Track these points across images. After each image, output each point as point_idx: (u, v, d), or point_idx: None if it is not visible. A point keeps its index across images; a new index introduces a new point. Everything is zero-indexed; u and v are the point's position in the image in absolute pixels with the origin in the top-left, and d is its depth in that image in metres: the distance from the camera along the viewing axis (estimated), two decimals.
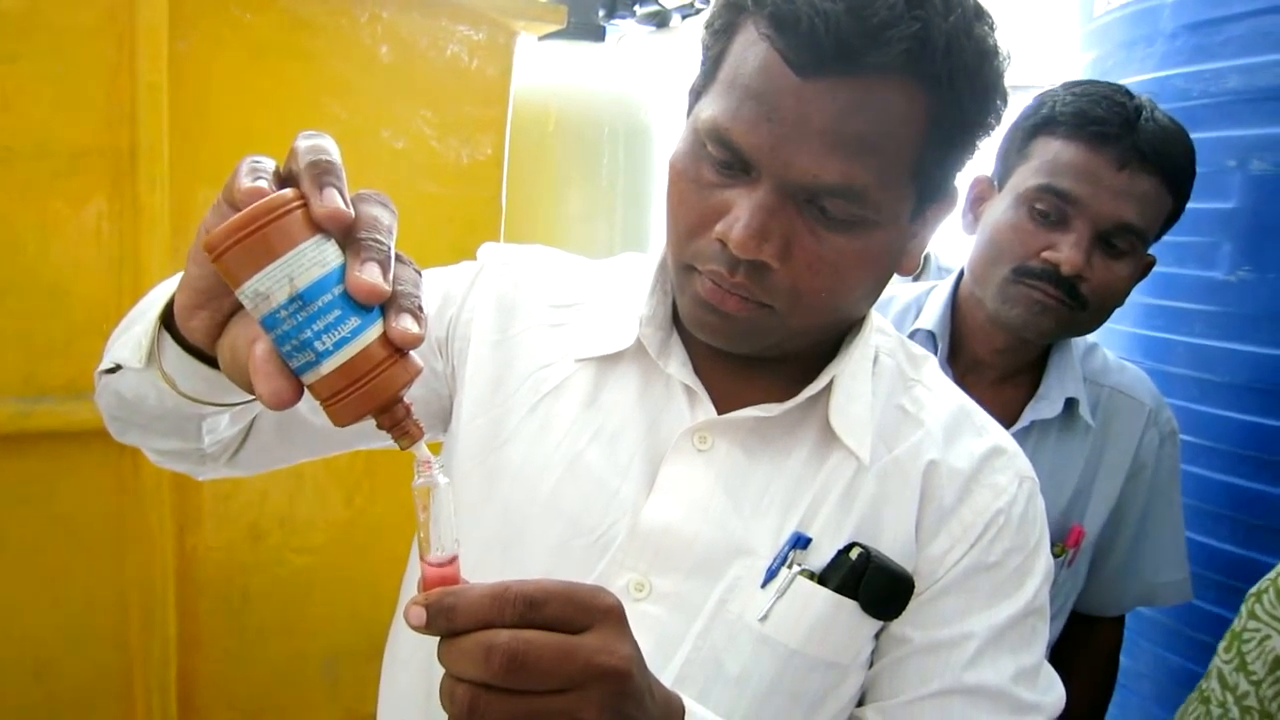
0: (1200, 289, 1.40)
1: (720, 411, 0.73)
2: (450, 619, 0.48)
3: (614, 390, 0.75)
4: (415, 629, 0.48)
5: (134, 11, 1.16)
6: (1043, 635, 0.74)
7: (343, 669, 1.49)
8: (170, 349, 0.59)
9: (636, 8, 2.00)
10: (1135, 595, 1.29)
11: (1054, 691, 0.74)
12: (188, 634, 1.34)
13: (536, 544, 0.72)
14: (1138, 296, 1.52)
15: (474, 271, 0.81)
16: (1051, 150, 1.10)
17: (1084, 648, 1.33)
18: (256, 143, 1.27)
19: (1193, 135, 1.40)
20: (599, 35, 1.97)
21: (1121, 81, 1.53)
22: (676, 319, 0.75)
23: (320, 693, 1.49)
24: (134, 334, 0.62)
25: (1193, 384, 1.42)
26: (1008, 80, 0.68)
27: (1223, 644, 1.05)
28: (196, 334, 0.51)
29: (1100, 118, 1.07)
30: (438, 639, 0.49)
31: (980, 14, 0.63)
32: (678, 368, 0.74)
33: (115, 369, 0.64)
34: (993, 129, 0.68)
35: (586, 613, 0.50)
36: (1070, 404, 1.19)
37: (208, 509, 1.34)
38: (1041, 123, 1.11)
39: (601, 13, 1.98)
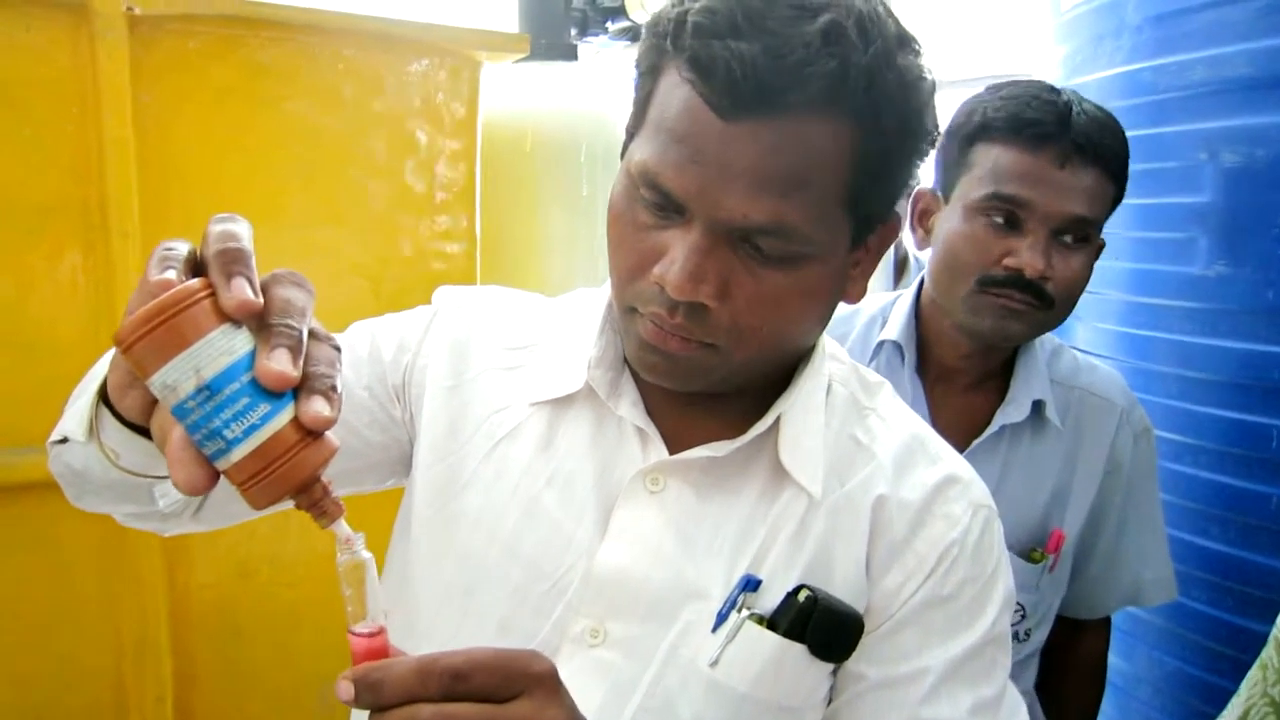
0: (1178, 285, 1.38)
1: (673, 451, 0.73)
2: (376, 694, 0.49)
3: (568, 433, 0.75)
4: (344, 703, 0.49)
5: (96, 67, 1.18)
6: (1003, 665, 0.74)
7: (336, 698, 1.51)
8: (109, 424, 0.60)
9: (608, 24, 2.01)
10: (1119, 596, 1.27)
11: (1017, 717, 0.73)
12: (183, 671, 1.37)
13: (496, 589, 0.73)
14: (1118, 294, 1.51)
15: (429, 316, 0.82)
16: (991, 157, 1.10)
17: (1072, 653, 1.32)
18: (224, 188, 1.31)
19: (1163, 129, 1.39)
20: (571, 54, 1.97)
21: (1091, 76, 1.52)
22: (626, 361, 0.76)
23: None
24: (79, 406, 0.64)
25: (1176, 381, 1.40)
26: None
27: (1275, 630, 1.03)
28: (130, 412, 0.52)
29: (1034, 119, 1.07)
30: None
31: (904, 41, 0.64)
32: (628, 408, 0.74)
33: (63, 440, 0.66)
34: (925, 154, 0.68)
35: (515, 680, 0.51)
36: (1038, 406, 1.18)
37: (197, 549, 1.37)
38: (977, 130, 1.11)
39: (574, 31, 1.98)
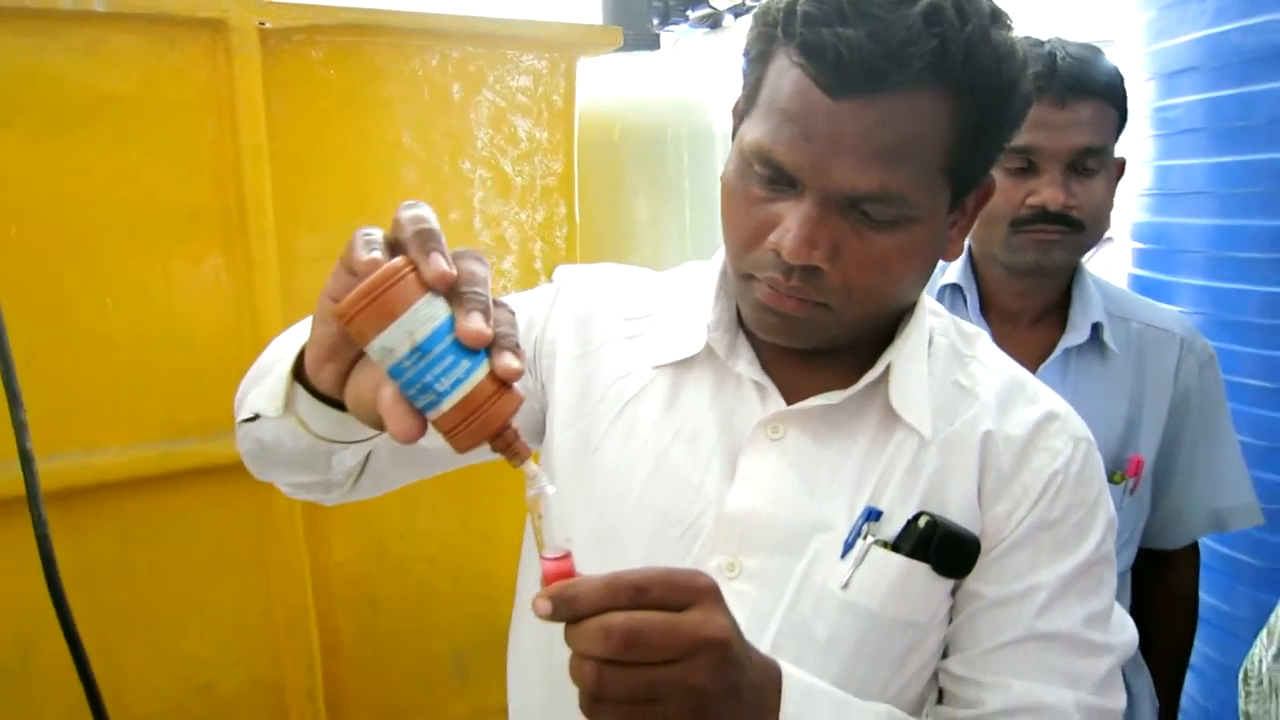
0: (1265, 237, 1.41)
1: (788, 403, 0.79)
2: (572, 607, 0.56)
3: (690, 392, 0.82)
4: (542, 618, 0.57)
5: (233, 79, 1.26)
6: (1110, 583, 0.80)
7: (469, 665, 1.60)
8: (302, 398, 0.67)
9: (689, 12, 2.06)
10: (1201, 522, 1.33)
11: (1126, 633, 0.80)
12: (327, 643, 1.46)
13: (632, 538, 0.80)
14: (1204, 249, 1.54)
15: (552, 293, 0.90)
16: None
17: (1162, 585, 1.37)
18: (350, 188, 1.39)
19: (1249, 88, 1.42)
20: (654, 44, 2.03)
21: (1177, 40, 1.55)
22: (741, 321, 0.82)
23: (449, 688, 1.60)
24: (266, 386, 0.71)
25: (1265, 330, 1.43)
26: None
27: None
28: (326, 384, 0.59)
29: None
30: (560, 627, 0.57)
31: (997, 17, 0.69)
32: (746, 366, 0.81)
33: (254, 418, 0.73)
34: (1019, 123, 0.74)
35: (686, 593, 0.58)
36: (1096, 330, 1.26)
37: (335, 529, 1.46)
38: None
39: (655, 21, 2.04)
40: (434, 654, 1.57)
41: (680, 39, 2.21)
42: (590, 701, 0.57)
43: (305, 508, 1.40)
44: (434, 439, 0.56)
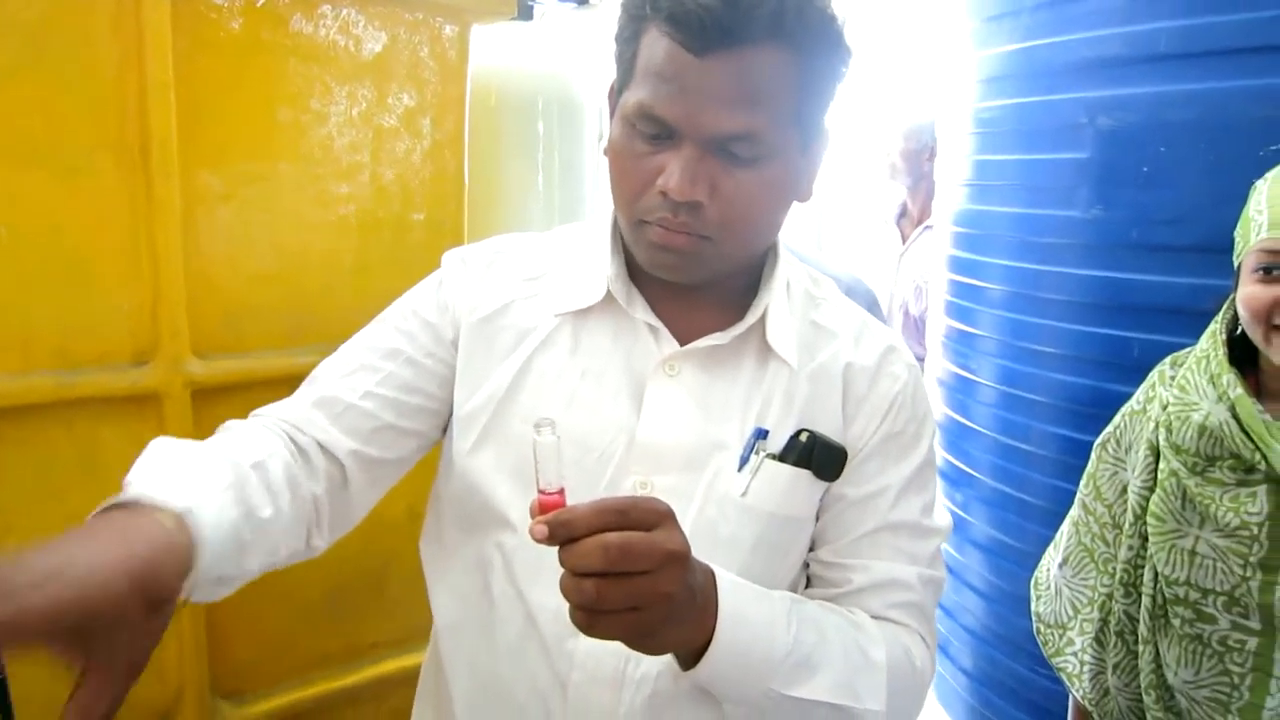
0: (1062, 226, 1.68)
1: (680, 344, 0.93)
2: (569, 529, 0.68)
3: (591, 336, 0.94)
4: (539, 541, 0.67)
5: (140, 17, 1.27)
6: (934, 479, 0.99)
7: (343, 603, 1.66)
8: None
9: None
10: None
11: (946, 518, 1.00)
12: None
13: None
14: (1013, 234, 1.80)
15: (437, 281, 1.00)
16: None
17: None
18: (251, 132, 1.42)
19: (1053, 97, 1.67)
20: (528, 15, 2.12)
21: (993, 50, 1.80)
22: (631, 274, 0.95)
23: (325, 624, 1.65)
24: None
25: (1058, 305, 1.71)
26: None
27: (1082, 483, 1.35)
28: None
29: None
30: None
31: None
32: (642, 312, 0.94)
33: None
34: (844, 76, 0.89)
35: (654, 515, 0.70)
36: None
37: None
38: None
39: None
40: (314, 593, 1.62)
41: (547, 12, 2.31)
42: (588, 616, 0.68)
43: (195, 439, 1.43)
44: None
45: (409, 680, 1.70)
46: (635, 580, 0.68)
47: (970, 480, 1.99)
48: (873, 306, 1.50)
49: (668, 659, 0.87)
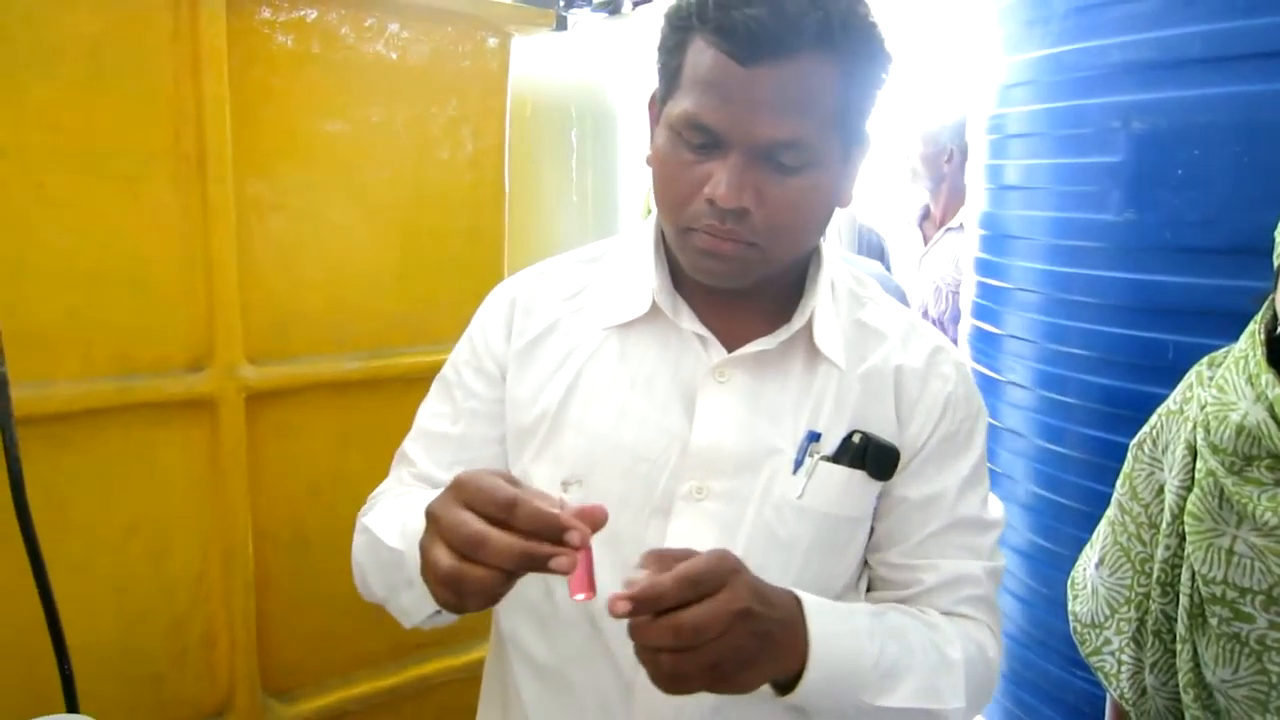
0: (1096, 229, 1.69)
1: (727, 350, 0.95)
2: (658, 603, 0.70)
3: (638, 347, 0.97)
4: (622, 616, 0.70)
5: (197, 32, 1.32)
6: (987, 469, 1.02)
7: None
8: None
9: None
10: None
11: (999, 507, 1.02)
12: (260, 577, 1.53)
13: (610, 474, 0.93)
14: (1045, 238, 1.81)
15: (480, 325, 1.04)
16: None
17: None
18: (301, 142, 1.46)
19: (1083, 101, 1.69)
20: (562, 25, 2.16)
21: (1024, 56, 1.82)
22: (676, 285, 0.97)
23: (369, 624, 1.68)
24: (413, 598, 0.89)
25: (1092, 308, 1.72)
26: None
27: (1118, 484, 1.37)
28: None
29: None
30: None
31: (860, 0, 0.86)
32: (689, 321, 0.96)
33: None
34: (885, 83, 0.91)
35: (722, 577, 0.73)
36: None
37: (274, 470, 1.52)
38: None
39: (560, 3, 2.16)
40: (357, 591, 1.66)
41: (580, 22, 2.35)
42: (669, 681, 0.72)
43: (250, 448, 1.47)
44: None
45: (453, 679, 1.75)
46: (706, 649, 0.71)
47: (1004, 483, 2.00)
48: (901, 301, 1.52)
49: None
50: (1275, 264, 1.24)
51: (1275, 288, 1.23)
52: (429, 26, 1.55)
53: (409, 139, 1.58)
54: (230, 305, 1.41)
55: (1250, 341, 1.25)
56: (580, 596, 0.71)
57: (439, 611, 0.90)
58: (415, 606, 0.90)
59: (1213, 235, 1.55)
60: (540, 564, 0.68)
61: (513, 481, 0.73)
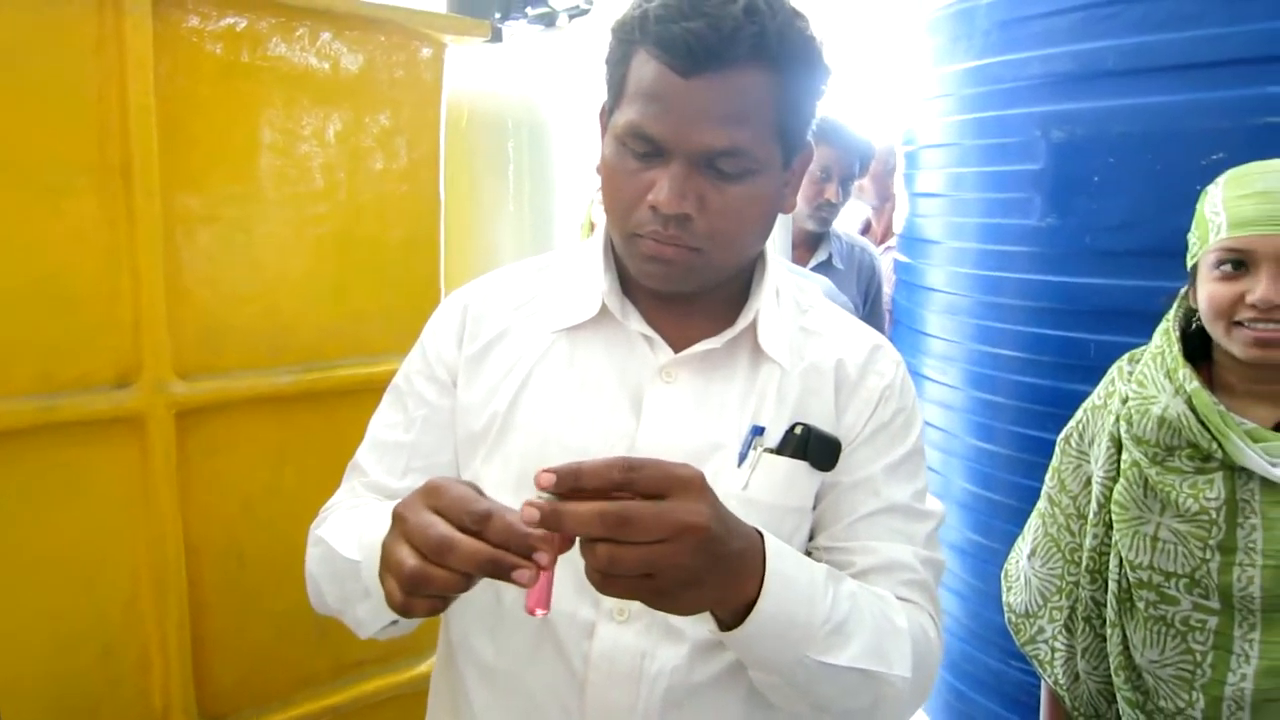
0: (1020, 234, 1.75)
1: (671, 348, 0.97)
2: (576, 478, 0.69)
3: (587, 350, 0.98)
4: (544, 487, 0.69)
5: (122, 40, 1.29)
6: (924, 468, 1.04)
7: (329, 620, 1.66)
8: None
9: (527, 9, 2.20)
10: None
11: (939, 505, 1.04)
12: (194, 597, 1.48)
13: None
14: (972, 244, 1.87)
15: (431, 332, 1.05)
16: None
17: None
18: (231, 153, 1.43)
19: (1006, 112, 1.75)
20: (498, 37, 2.16)
21: (950, 68, 1.88)
22: (624, 288, 0.99)
23: (311, 643, 1.65)
24: (369, 609, 0.89)
25: (1018, 310, 1.77)
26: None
27: (1047, 477, 1.42)
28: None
29: None
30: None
31: (797, 14, 0.90)
32: (637, 323, 0.97)
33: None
34: (823, 94, 0.95)
35: (668, 481, 0.71)
36: None
37: (205, 486, 1.48)
38: None
39: (496, 15, 2.17)
40: (298, 609, 1.62)
41: (515, 34, 2.35)
42: (601, 578, 0.70)
43: (181, 465, 1.43)
44: None
45: (398, 695, 1.72)
46: (647, 549, 0.69)
47: (940, 483, 2.05)
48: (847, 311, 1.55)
49: (685, 653, 0.91)
50: (1189, 264, 1.30)
51: (1189, 286, 1.30)
52: (362, 36, 1.54)
53: (342, 149, 1.56)
54: (157, 320, 1.37)
55: (1165, 339, 1.31)
56: (540, 612, 0.70)
57: (395, 622, 0.90)
58: (371, 617, 0.89)
59: (1128, 239, 1.62)
60: (503, 572, 0.68)
61: (481, 494, 0.73)
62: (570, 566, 0.89)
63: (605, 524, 0.68)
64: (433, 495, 0.73)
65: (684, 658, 0.91)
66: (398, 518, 0.74)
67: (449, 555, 0.69)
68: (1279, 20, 1.43)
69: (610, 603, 0.91)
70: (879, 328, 2.52)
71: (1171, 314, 1.33)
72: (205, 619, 1.51)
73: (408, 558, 0.70)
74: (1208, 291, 1.23)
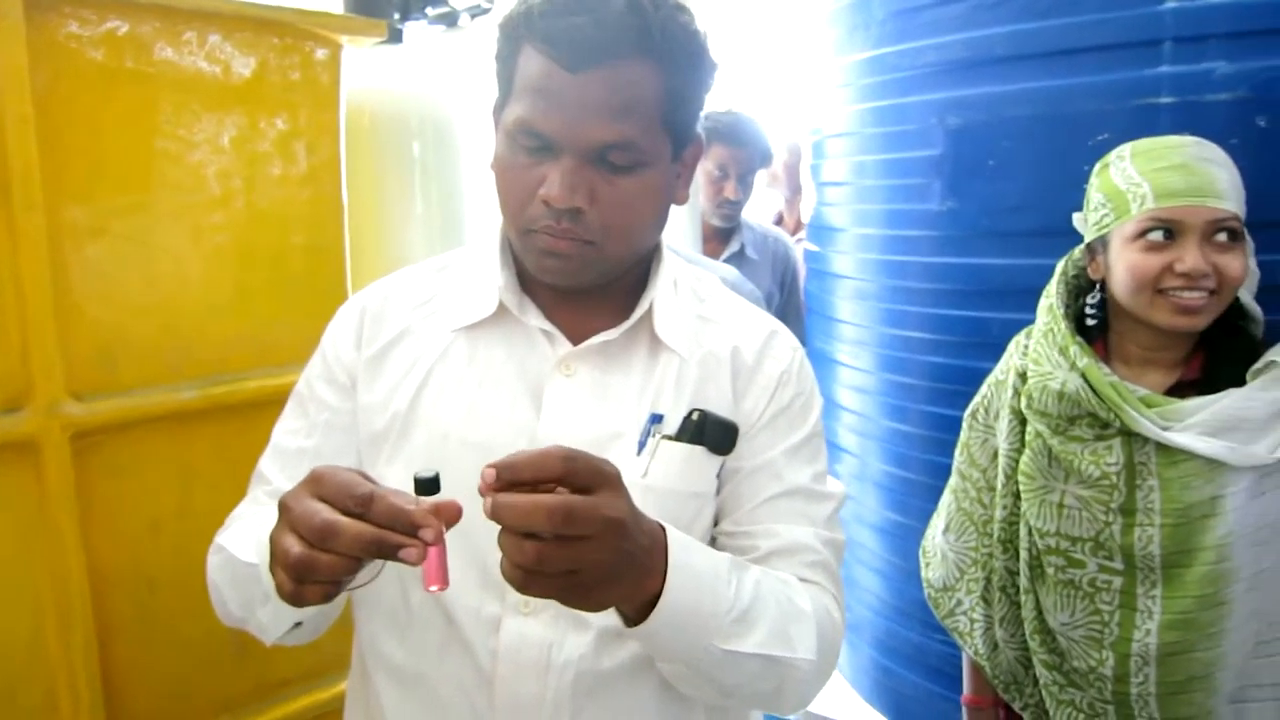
0: (921, 218, 1.79)
1: (571, 343, 0.97)
2: (514, 472, 0.69)
3: (487, 347, 0.98)
4: (486, 486, 0.68)
5: None
6: (824, 451, 1.05)
7: (249, 640, 1.61)
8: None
9: (428, 9, 2.17)
10: None
11: (840, 485, 1.06)
12: (103, 625, 1.43)
13: (461, 470, 0.89)
14: (877, 230, 1.91)
15: (334, 326, 1.04)
16: None
17: None
18: (117, 162, 1.37)
19: (904, 100, 1.79)
20: (398, 37, 2.12)
21: (850, 59, 1.91)
22: (523, 283, 0.99)
23: (230, 665, 1.60)
24: (269, 612, 0.87)
25: (923, 292, 1.82)
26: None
27: (957, 453, 1.46)
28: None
29: None
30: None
31: (680, 7, 0.91)
32: (535, 318, 0.98)
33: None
34: (710, 86, 0.96)
35: (597, 476, 0.71)
36: None
37: (109, 509, 1.43)
38: None
39: (395, 16, 2.13)
40: (214, 632, 1.57)
41: (416, 35, 2.31)
42: (524, 576, 0.69)
43: (80, 490, 1.37)
44: None
45: (322, 713, 1.68)
46: (575, 545, 0.69)
47: (856, 464, 2.09)
48: (755, 302, 1.57)
49: (592, 641, 0.91)
50: (1091, 237, 1.34)
51: (1089, 260, 1.35)
52: (253, 38, 1.49)
53: (238, 155, 1.51)
54: (47, 339, 1.31)
55: (1050, 316, 1.36)
56: (434, 587, 0.70)
57: (298, 624, 0.89)
58: (273, 621, 0.88)
59: (1024, 219, 1.68)
60: (390, 551, 0.68)
61: (369, 479, 0.73)
62: (475, 563, 0.90)
63: (551, 519, 0.67)
64: (317, 483, 0.72)
65: (590, 646, 0.91)
66: (283, 508, 0.73)
67: (334, 539, 0.68)
68: (1153, 6, 1.49)
69: (515, 595, 0.90)
70: (797, 315, 2.56)
71: (1053, 289, 1.38)
72: (115, 650, 1.46)
73: (293, 545, 0.70)
74: (1130, 262, 1.26)
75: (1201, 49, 1.48)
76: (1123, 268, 1.27)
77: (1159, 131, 1.34)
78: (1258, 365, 1.26)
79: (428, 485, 0.71)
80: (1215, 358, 1.31)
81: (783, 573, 0.94)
